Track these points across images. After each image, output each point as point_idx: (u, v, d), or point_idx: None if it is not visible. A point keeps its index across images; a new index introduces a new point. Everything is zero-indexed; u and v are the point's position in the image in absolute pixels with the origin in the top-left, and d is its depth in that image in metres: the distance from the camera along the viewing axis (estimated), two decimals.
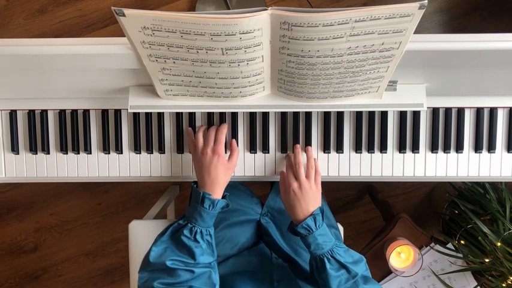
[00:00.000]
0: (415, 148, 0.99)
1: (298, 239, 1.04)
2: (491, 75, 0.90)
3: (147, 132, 1.01)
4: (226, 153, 0.96)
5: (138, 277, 0.82)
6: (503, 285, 1.13)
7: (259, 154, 1.01)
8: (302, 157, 0.95)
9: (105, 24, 1.82)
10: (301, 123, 1.00)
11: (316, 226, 0.86)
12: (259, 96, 0.92)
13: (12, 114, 1.02)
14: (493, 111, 0.99)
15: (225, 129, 0.95)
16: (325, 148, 1.00)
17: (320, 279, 0.86)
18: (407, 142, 1.00)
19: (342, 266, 0.84)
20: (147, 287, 0.79)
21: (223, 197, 0.90)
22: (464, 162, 1.01)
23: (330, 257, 0.84)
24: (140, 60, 0.80)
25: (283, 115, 0.99)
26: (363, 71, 0.81)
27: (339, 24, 0.68)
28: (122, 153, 1.02)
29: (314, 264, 0.87)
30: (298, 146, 0.98)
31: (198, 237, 0.83)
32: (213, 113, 1.00)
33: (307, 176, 0.91)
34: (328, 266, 0.83)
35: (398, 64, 0.80)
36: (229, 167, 0.93)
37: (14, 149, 1.02)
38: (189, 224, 0.84)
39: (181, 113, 1.00)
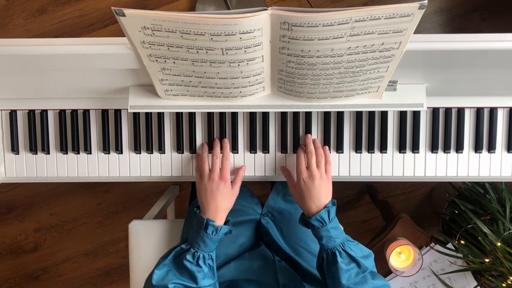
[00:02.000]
0: (415, 148, 0.99)
1: (299, 238, 1.04)
2: (491, 75, 0.90)
3: (147, 132, 1.01)
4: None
5: None
6: (503, 285, 1.13)
7: (259, 154, 1.01)
8: (312, 147, 0.94)
9: (105, 24, 1.82)
10: (301, 123, 1.00)
11: (329, 219, 0.86)
12: (259, 96, 0.92)
13: (12, 114, 1.02)
14: (493, 111, 0.99)
15: (228, 154, 0.96)
16: None
17: (329, 272, 0.85)
18: (407, 142, 1.00)
19: (353, 259, 0.84)
20: None
21: (226, 222, 0.91)
22: (464, 162, 1.01)
23: (341, 250, 0.84)
24: (140, 60, 0.80)
25: (283, 115, 0.99)
26: (363, 71, 0.81)
27: (339, 24, 0.68)
28: (122, 153, 1.02)
29: (325, 257, 0.86)
30: (309, 135, 0.98)
31: (201, 262, 0.84)
32: (213, 113, 1.00)
33: (317, 166, 0.91)
34: (339, 259, 0.83)
35: (398, 64, 0.80)
36: (233, 194, 0.93)
37: (14, 149, 1.02)
38: (191, 249, 0.85)
39: (181, 113, 1.00)
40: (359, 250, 0.86)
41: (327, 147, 0.97)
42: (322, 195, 0.88)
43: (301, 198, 0.90)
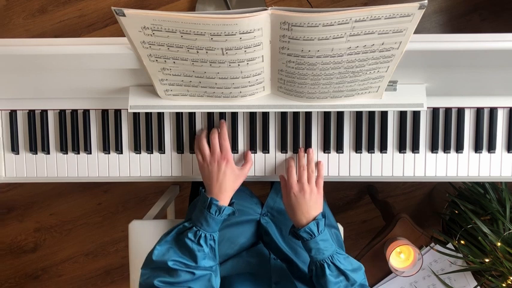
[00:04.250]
0: (415, 148, 0.99)
1: None
2: (491, 75, 0.90)
3: (147, 132, 1.01)
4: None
5: (140, 273, 0.83)
6: (503, 285, 1.13)
7: (259, 154, 1.01)
8: (305, 160, 0.95)
9: (105, 24, 1.82)
10: (301, 123, 1.00)
11: (318, 231, 0.86)
12: (259, 96, 0.92)
13: (12, 114, 1.02)
14: (493, 111, 0.99)
15: (226, 134, 0.95)
16: (325, 148, 1.00)
17: (318, 284, 0.86)
18: (407, 142, 1.00)
19: (341, 272, 0.85)
20: (148, 284, 0.80)
21: (231, 204, 0.91)
22: (464, 162, 1.01)
23: (330, 263, 0.85)
24: (140, 60, 0.80)
25: (283, 115, 0.99)
26: (363, 71, 0.81)
27: (339, 24, 0.68)
28: (121, 153, 1.02)
29: (314, 270, 0.87)
30: (302, 149, 0.98)
31: (202, 241, 0.84)
32: (213, 113, 1.00)
33: (308, 180, 0.92)
34: (327, 272, 0.84)
35: (398, 64, 0.80)
36: (239, 175, 0.93)
37: (14, 149, 1.02)
38: (194, 228, 0.85)
39: (181, 113, 1.00)
40: (348, 263, 0.86)
41: (321, 162, 0.98)
42: (311, 209, 0.89)
43: (291, 211, 0.91)
